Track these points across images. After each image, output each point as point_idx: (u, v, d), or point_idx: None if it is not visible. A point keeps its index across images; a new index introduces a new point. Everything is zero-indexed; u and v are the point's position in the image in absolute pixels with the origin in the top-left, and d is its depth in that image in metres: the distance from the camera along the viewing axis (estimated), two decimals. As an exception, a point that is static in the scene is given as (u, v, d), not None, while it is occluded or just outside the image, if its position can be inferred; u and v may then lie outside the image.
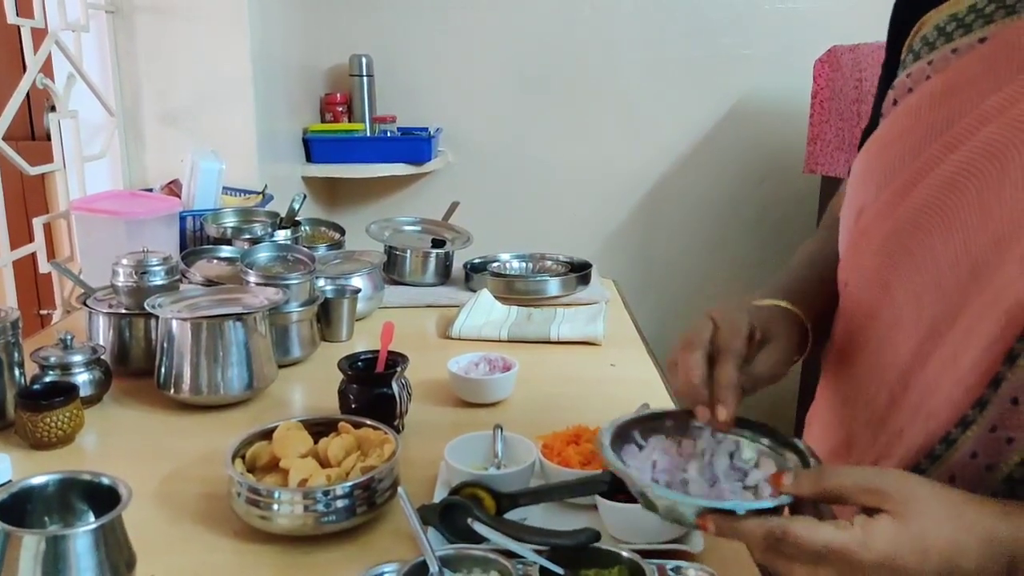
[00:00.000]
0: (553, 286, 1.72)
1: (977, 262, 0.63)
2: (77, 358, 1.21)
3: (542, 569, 0.78)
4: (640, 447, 0.79)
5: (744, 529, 0.60)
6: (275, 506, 0.88)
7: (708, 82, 2.58)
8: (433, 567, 0.78)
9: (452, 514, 0.87)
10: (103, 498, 0.76)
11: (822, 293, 0.85)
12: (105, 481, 0.77)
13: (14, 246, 1.63)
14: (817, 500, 0.62)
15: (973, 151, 0.65)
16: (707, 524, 0.62)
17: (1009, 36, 0.66)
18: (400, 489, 0.83)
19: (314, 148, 2.44)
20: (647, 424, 0.80)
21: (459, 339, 1.52)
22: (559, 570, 0.77)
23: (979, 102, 0.66)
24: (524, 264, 1.90)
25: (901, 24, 0.80)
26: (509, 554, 0.80)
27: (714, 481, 0.73)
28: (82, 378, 1.20)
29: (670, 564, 0.83)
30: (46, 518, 0.77)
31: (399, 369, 1.14)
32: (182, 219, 1.73)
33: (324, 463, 0.94)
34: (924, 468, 0.67)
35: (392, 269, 1.80)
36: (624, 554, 0.79)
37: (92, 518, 0.77)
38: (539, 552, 0.79)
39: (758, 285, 0.87)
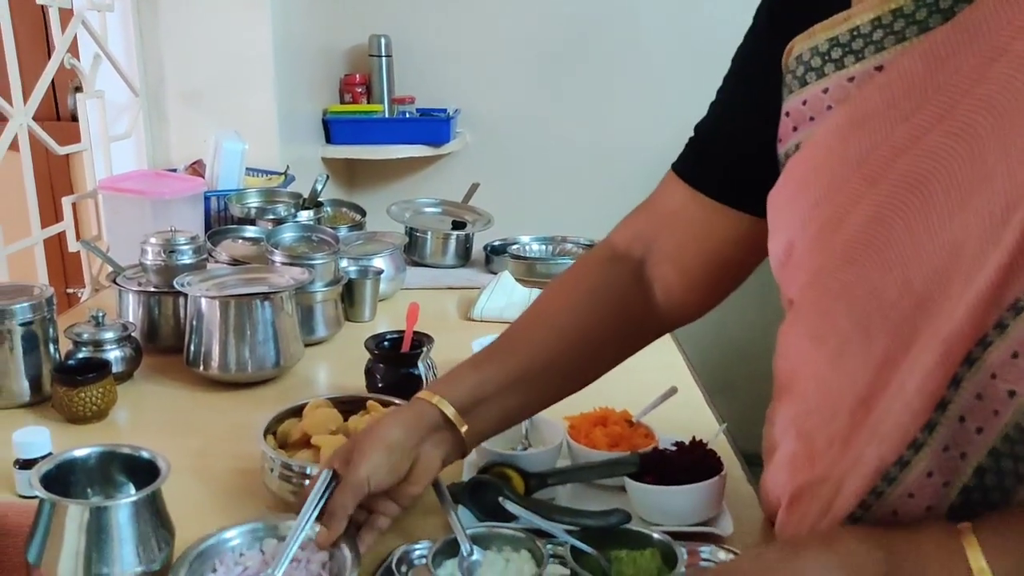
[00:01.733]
0: (574, 269, 1.72)
1: (922, 297, 0.63)
2: (109, 335, 1.23)
3: (573, 549, 0.79)
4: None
5: None
6: (307, 481, 0.90)
7: (729, 60, 2.55)
8: (464, 545, 0.79)
9: (481, 493, 0.88)
10: (142, 471, 0.78)
11: (489, 370, 0.86)
12: (145, 455, 0.79)
13: (41, 226, 1.65)
14: None
15: (894, 184, 0.63)
16: None
17: (904, 66, 0.64)
18: (452, 514, 0.84)
19: (333, 129, 2.45)
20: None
21: (481, 320, 1.53)
22: (590, 550, 0.79)
23: (889, 133, 0.64)
24: (545, 246, 1.90)
25: (764, 40, 0.78)
26: (538, 533, 0.82)
27: None
28: (114, 354, 1.22)
29: (702, 548, 0.84)
30: (88, 489, 0.80)
31: (425, 349, 1.15)
32: (206, 199, 1.74)
33: (354, 440, 0.96)
34: (882, 490, 0.67)
35: (412, 250, 1.82)
36: (655, 536, 0.80)
37: (132, 490, 0.79)
38: (569, 532, 0.81)
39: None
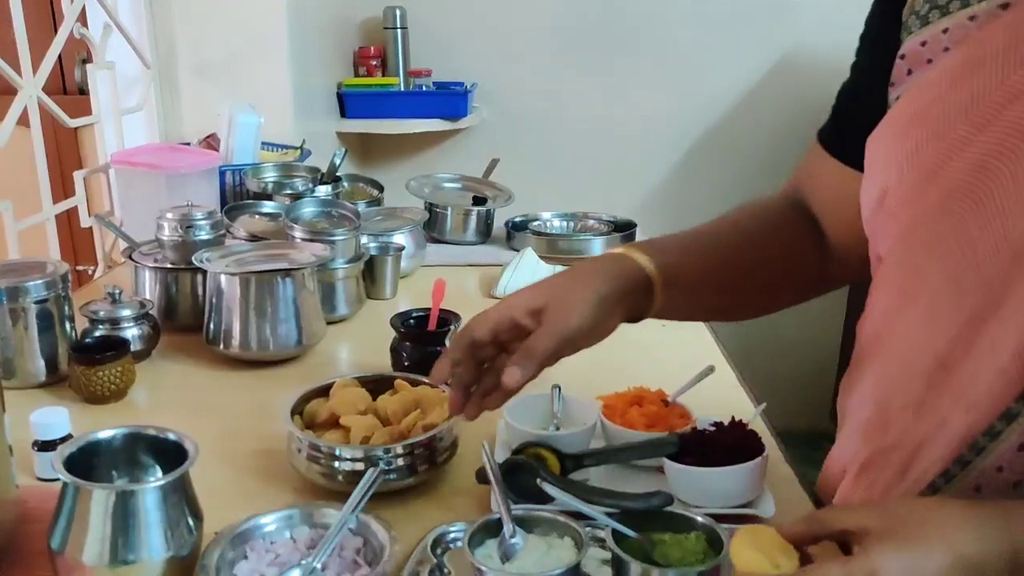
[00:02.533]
0: (597, 245, 1.69)
1: (1019, 250, 0.60)
2: (126, 312, 1.19)
3: (614, 533, 0.76)
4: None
5: None
6: (336, 463, 0.87)
7: (754, 35, 2.50)
8: (508, 527, 0.76)
9: (516, 474, 0.85)
10: (168, 453, 0.75)
11: (698, 261, 0.84)
12: (171, 437, 0.76)
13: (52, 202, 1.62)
14: (812, 541, 0.64)
15: (1004, 131, 0.61)
16: None
17: None
18: (484, 444, 0.81)
19: (348, 103, 2.40)
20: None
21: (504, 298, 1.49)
22: (633, 534, 0.75)
23: (1004, 77, 0.62)
24: (566, 223, 1.86)
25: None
26: (576, 516, 0.79)
27: None
28: (131, 332, 1.19)
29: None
30: (113, 472, 0.77)
31: (453, 327, 1.12)
32: (221, 174, 1.71)
33: (384, 420, 0.93)
34: (968, 460, 0.65)
35: (432, 227, 1.78)
36: (699, 519, 0.77)
37: (158, 472, 0.77)
38: (608, 515, 0.78)
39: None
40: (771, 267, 0.89)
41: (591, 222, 1.85)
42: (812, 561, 0.62)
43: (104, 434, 0.76)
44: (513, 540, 0.77)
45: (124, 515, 0.68)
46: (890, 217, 0.70)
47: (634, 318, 0.82)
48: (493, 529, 0.78)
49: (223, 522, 0.78)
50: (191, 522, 0.72)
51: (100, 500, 0.68)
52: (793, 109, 2.57)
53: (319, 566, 0.73)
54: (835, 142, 0.85)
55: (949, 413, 0.65)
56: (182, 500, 0.72)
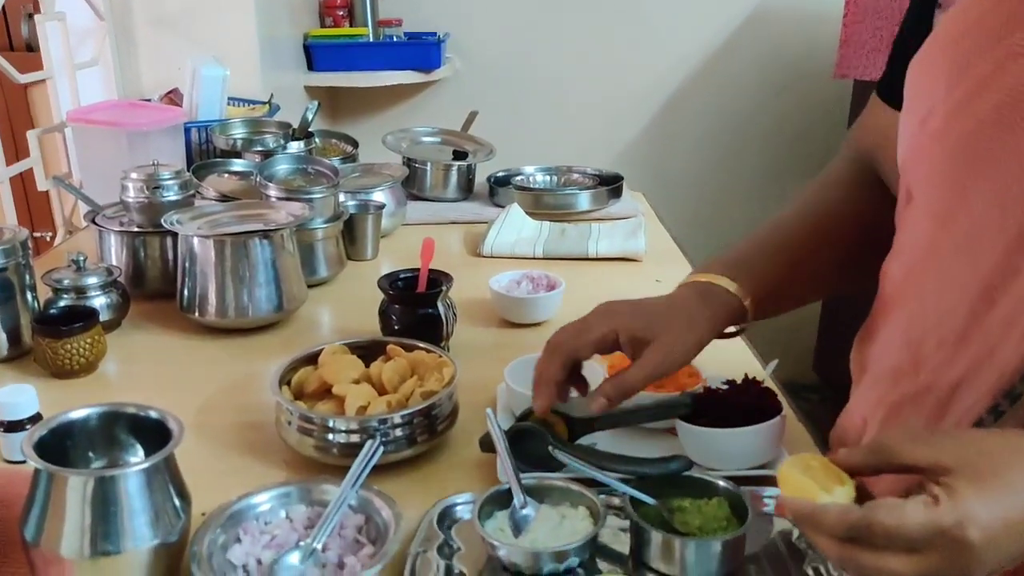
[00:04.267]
0: (584, 200, 1.63)
1: None
2: (92, 280, 1.12)
3: (631, 499, 0.72)
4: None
5: (825, 522, 0.54)
6: (330, 436, 0.82)
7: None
8: (518, 497, 0.72)
9: (524, 441, 0.80)
10: (149, 431, 0.69)
11: (778, 262, 0.82)
12: (153, 415, 0.70)
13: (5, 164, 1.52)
14: (873, 473, 0.58)
15: None
16: (785, 509, 0.58)
17: None
18: (489, 411, 0.76)
19: (316, 55, 2.30)
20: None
21: (492, 257, 1.44)
22: (651, 500, 0.71)
23: None
24: (550, 177, 1.80)
25: None
26: (588, 483, 0.75)
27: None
28: (99, 301, 1.12)
29: (765, 491, 0.77)
30: (90, 454, 0.70)
31: (444, 288, 1.06)
32: (187, 131, 1.61)
33: (378, 389, 0.87)
34: (1020, 392, 0.61)
35: (411, 183, 1.70)
36: (720, 483, 0.73)
37: (140, 453, 0.71)
38: (624, 481, 0.73)
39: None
40: (843, 237, 0.85)
41: (575, 176, 1.79)
42: (870, 494, 0.57)
43: (78, 413, 0.69)
44: (525, 511, 0.72)
45: (104, 502, 0.62)
46: (932, 140, 0.65)
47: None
48: (502, 500, 0.73)
49: (211, 503, 0.72)
50: (178, 504, 0.66)
51: (77, 487, 0.62)
52: (769, 58, 2.52)
53: (319, 547, 0.68)
54: (896, 93, 0.79)
55: (997, 343, 0.61)
56: (167, 482, 0.66)
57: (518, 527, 0.72)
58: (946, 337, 0.64)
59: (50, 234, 1.77)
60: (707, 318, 0.77)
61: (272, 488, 0.73)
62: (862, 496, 0.57)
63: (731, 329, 0.81)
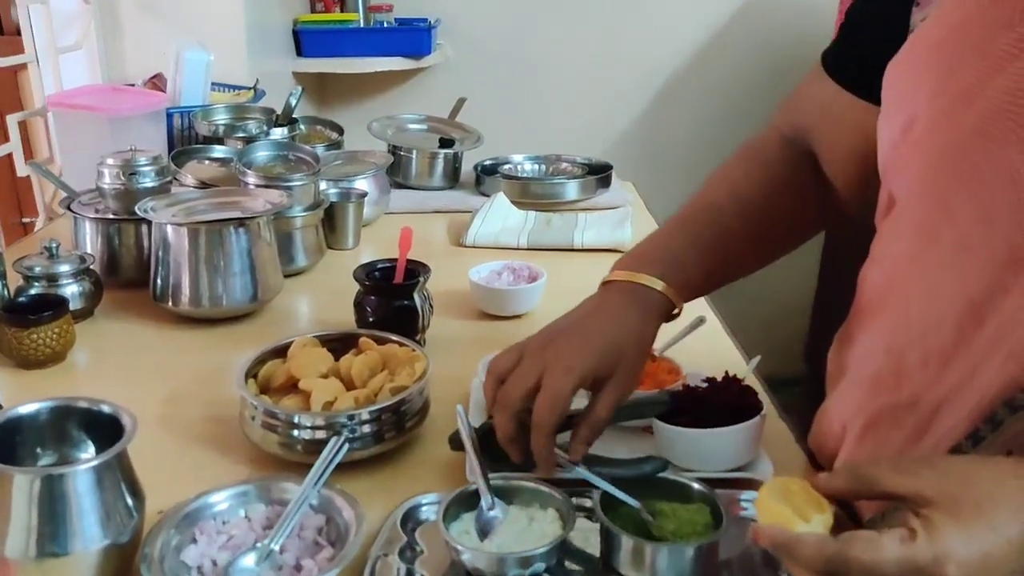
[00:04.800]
0: (572, 189, 1.61)
1: None
2: (64, 268, 1.10)
3: (603, 499, 0.69)
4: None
5: (802, 555, 0.52)
6: (295, 432, 0.79)
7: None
8: (486, 498, 0.70)
9: (494, 439, 0.78)
10: (103, 427, 0.67)
11: (712, 258, 0.80)
12: (105, 409, 0.67)
13: (-15, 147, 1.50)
14: (853, 498, 0.58)
15: None
16: (761, 537, 0.55)
17: None
18: (459, 408, 0.74)
19: (305, 40, 2.26)
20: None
21: (474, 247, 1.42)
22: (633, 502, 0.69)
23: None
24: (539, 166, 1.77)
25: None
26: (559, 483, 0.72)
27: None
28: (70, 290, 1.10)
29: (741, 495, 0.75)
30: (39, 450, 0.68)
31: (421, 279, 1.04)
32: (169, 116, 1.59)
33: (347, 383, 0.85)
34: (1001, 419, 0.58)
35: (396, 171, 1.68)
36: (695, 486, 0.71)
37: (91, 449, 0.68)
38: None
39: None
40: (774, 229, 0.83)
41: (564, 165, 1.76)
42: (852, 518, 0.55)
43: (27, 409, 0.67)
44: (492, 512, 0.70)
45: (51, 502, 0.60)
46: (914, 149, 0.62)
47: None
48: (469, 502, 0.71)
49: (170, 499, 0.70)
50: (130, 503, 0.64)
51: (23, 486, 0.59)
52: (764, 47, 2.48)
53: (277, 548, 0.66)
54: (844, 69, 0.77)
55: (980, 365, 0.58)
56: (119, 480, 0.64)
57: (485, 530, 0.69)
58: (931, 352, 0.62)
59: (37, 220, 1.75)
60: (652, 332, 0.76)
61: (230, 487, 0.70)
62: (842, 522, 0.55)
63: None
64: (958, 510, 0.50)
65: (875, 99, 0.70)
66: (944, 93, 0.59)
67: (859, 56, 0.75)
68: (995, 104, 0.56)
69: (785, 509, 0.56)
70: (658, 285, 0.75)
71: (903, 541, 0.49)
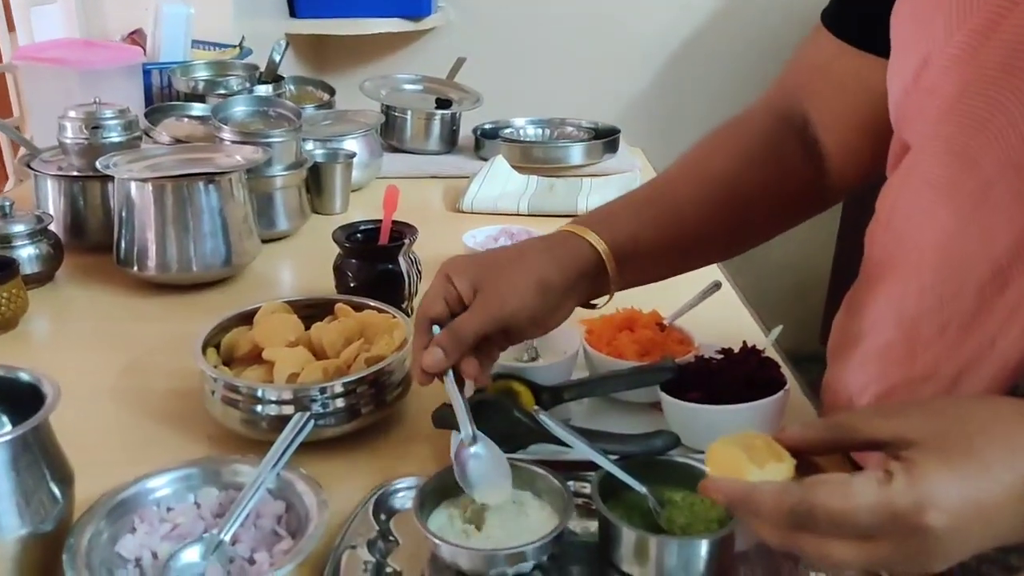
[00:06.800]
0: (576, 153, 1.51)
1: None
2: (18, 228, 1.01)
3: (603, 484, 0.60)
4: None
5: (762, 507, 0.45)
6: (258, 407, 0.70)
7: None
8: (466, 430, 0.63)
9: (483, 414, 0.68)
10: (25, 398, 0.58)
11: (656, 222, 0.73)
12: (24, 377, 0.58)
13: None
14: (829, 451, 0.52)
15: None
16: (712, 490, 0.48)
17: None
18: (450, 374, 0.64)
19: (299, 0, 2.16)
20: None
21: (472, 212, 1.32)
22: (641, 488, 0.60)
23: None
24: (542, 130, 1.67)
25: None
26: (555, 465, 0.63)
27: None
28: (25, 252, 1.01)
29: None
30: (-50, 426, 0.59)
31: (407, 241, 0.94)
32: (147, 73, 1.49)
33: (319, 353, 0.76)
34: None
35: (390, 133, 1.58)
36: (698, 468, 0.61)
37: (7, 424, 0.59)
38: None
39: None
40: (754, 206, 0.75)
41: (570, 129, 1.66)
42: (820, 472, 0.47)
43: (-66, 377, 0.58)
44: (474, 449, 0.62)
45: (-43, 484, 0.51)
46: (929, 93, 0.55)
47: (592, 299, 0.73)
48: (449, 489, 0.62)
49: (117, 479, 0.61)
50: (54, 488, 0.55)
51: (-81, 465, 0.51)
52: (778, 10, 2.36)
53: (227, 539, 0.57)
54: (846, 22, 0.69)
55: (999, 332, 0.53)
56: (39, 460, 0.55)
57: (469, 482, 0.60)
58: (949, 322, 0.56)
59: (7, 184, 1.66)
60: (552, 263, 0.68)
61: (174, 469, 0.61)
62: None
63: (597, 301, 0.73)
64: (944, 446, 0.42)
65: (879, 51, 0.64)
66: (962, 28, 0.52)
67: (860, 8, 0.68)
68: (1018, 33, 0.49)
69: (738, 454, 0.48)
70: (581, 231, 0.69)
71: (879, 483, 0.41)
